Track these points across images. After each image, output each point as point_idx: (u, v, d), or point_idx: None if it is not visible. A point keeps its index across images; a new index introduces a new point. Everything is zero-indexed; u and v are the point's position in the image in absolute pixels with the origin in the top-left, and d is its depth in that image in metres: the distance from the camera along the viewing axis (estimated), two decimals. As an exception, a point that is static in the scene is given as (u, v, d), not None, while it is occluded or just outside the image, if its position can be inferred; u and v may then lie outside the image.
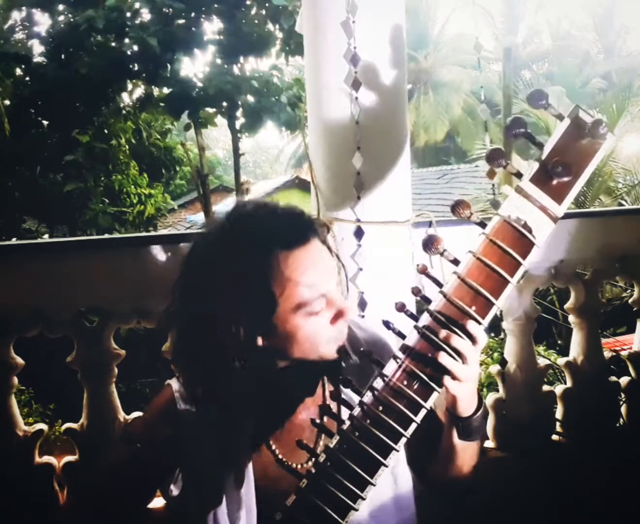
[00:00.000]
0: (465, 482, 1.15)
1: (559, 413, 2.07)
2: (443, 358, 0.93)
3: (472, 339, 0.94)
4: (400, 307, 0.95)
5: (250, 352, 1.02)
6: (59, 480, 1.77)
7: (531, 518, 1.81)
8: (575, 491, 1.83)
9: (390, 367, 0.95)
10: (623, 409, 2.12)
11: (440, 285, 0.95)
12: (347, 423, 0.94)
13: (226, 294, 0.99)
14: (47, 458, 1.78)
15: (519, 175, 0.96)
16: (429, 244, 0.95)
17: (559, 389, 2.09)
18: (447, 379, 0.94)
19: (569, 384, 2.10)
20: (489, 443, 2.01)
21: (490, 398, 2.03)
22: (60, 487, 1.78)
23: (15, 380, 1.76)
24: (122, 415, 1.78)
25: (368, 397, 0.94)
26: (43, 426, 1.79)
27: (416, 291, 0.95)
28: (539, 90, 0.95)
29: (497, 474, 1.88)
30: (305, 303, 1.00)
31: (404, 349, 0.95)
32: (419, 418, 0.93)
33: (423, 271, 0.95)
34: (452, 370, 0.93)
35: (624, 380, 2.14)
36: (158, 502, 1.54)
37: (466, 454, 1.10)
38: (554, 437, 2.02)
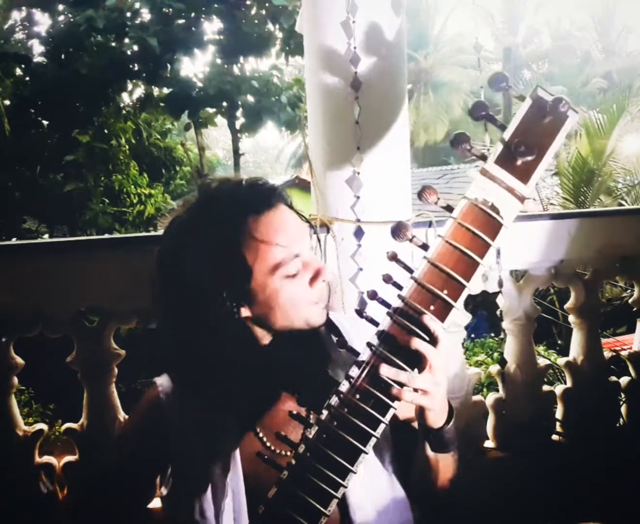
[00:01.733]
0: (442, 494, 1.14)
1: (559, 413, 2.07)
2: (401, 376, 0.92)
3: (433, 338, 0.93)
4: (372, 295, 0.95)
5: (235, 324, 1.03)
6: (59, 480, 1.77)
7: (531, 518, 1.81)
8: (575, 491, 1.82)
9: (365, 355, 0.95)
10: (623, 409, 2.12)
11: (411, 271, 0.96)
12: (325, 412, 0.94)
13: (204, 270, 1.02)
14: (47, 458, 1.78)
15: (483, 158, 0.97)
16: (397, 231, 0.96)
17: (559, 389, 2.09)
18: (410, 393, 0.94)
19: (569, 384, 2.10)
20: (489, 443, 2.01)
21: (490, 398, 2.03)
22: (60, 487, 1.78)
23: (15, 380, 1.76)
24: (122, 415, 1.78)
25: (345, 385, 0.94)
26: (43, 426, 1.80)
27: (387, 278, 0.95)
28: (498, 73, 0.96)
29: (497, 474, 1.88)
30: (280, 264, 1.02)
31: (378, 336, 0.95)
32: (396, 404, 0.94)
33: (393, 257, 0.96)
34: (415, 385, 0.93)
35: (624, 380, 2.14)
36: (158, 502, 1.54)
37: (440, 466, 1.09)
38: (554, 437, 2.02)
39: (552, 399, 2.07)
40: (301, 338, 1.08)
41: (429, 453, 1.06)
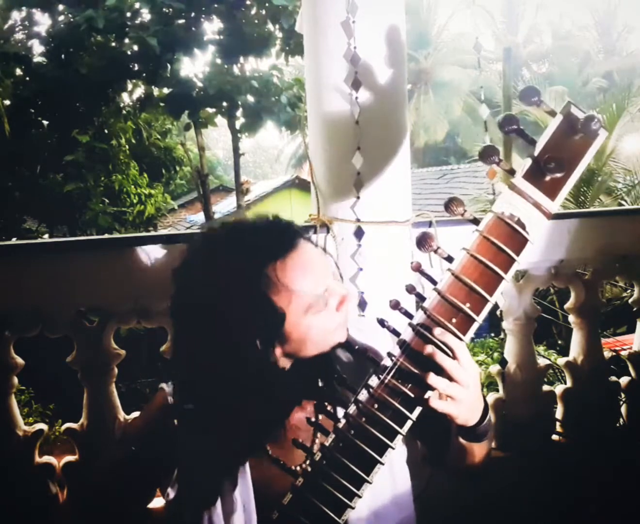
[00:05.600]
0: (479, 470, 1.15)
1: (559, 413, 2.07)
2: (432, 379, 0.93)
3: (453, 352, 0.93)
4: (395, 305, 0.95)
5: (269, 365, 1.02)
6: (59, 480, 1.77)
7: (531, 518, 1.81)
8: (575, 491, 1.82)
9: (384, 365, 0.95)
10: (623, 409, 2.12)
11: (434, 282, 0.95)
12: (343, 421, 0.94)
13: (233, 322, 0.99)
14: (47, 458, 1.78)
15: (512, 172, 0.96)
16: (423, 241, 0.95)
17: (559, 389, 2.09)
18: (436, 401, 0.94)
19: (569, 384, 2.10)
20: (489, 443, 2.01)
21: (490, 398, 2.03)
22: (60, 487, 1.78)
23: (15, 380, 1.76)
24: (122, 415, 1.78)
25: (363, 395, 0.94)
26: (43, 426, 1.80)
27: (410, 289, 0.95)
28: (531, 87, 0.95)
29: (497, 474, 1.88)
30: (313, 303, 1.01)
31: (399, 346, 0.95)
32: (414, 415, 0.93)
33: (417, 268, 0.95)
34: (440, 388, 0.93)
35: (624, 380, 2.14)
36: (158, 502, 1.54)
37: (475, 451, 1.10)
38: (554, 437, 2.02)
39: (552, 399, 2.07)
40: None
41: (464, 442, 1.06)
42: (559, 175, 0.93)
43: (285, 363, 1.08)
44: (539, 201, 0.94)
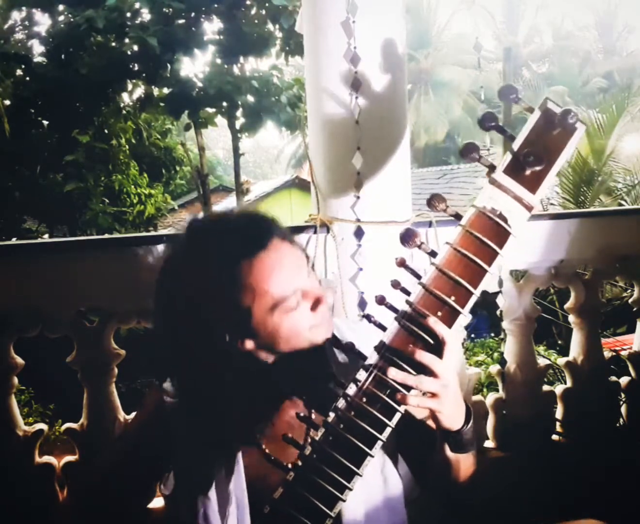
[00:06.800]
0: (463, 489, 1.15)
1: (559, 413, 2.07)
2: (409, 379, 0.93)
3: (440, 341, 0.94)
4: (380, 300, 0.96)
5: (239, 356, 1.05)
6: (59, 480, 1.77)
7: (531, 518, 1.81)
8: (575, 491, 1.82)
9: (372, 359, 0.96)
10: (623, 409, 2.12)
11: (419, 277, 0.97)
12: (332, 415, 0.95)
13: (203, 312, 1.02)
14: (47, 458, 1.78)
15: (492, 167, 0.98)
16: (407, 237, 0.97)
17: (559, 389, 2.09)
18: (416, 397, 0.94)
19: (569, 384, 2.10)
20: (489, 443, 2.01)
21: (490, 398, 2.03)
22: (60, 487, 1.78)
23: (15, 380, 1.76)
24: (122, 415, 1.78)
25: (351, 389, 0.95)
26: (43, 426, 1.80)
27: (395, 284, 0.96)
28: (509, 85, 0.98)
29: (497, 474, 1.88)
30: (279, 303, 1.02)
31: (385, 340, 0.96)
32: (402, 408, 0.94)
33: (402, 264, 0.96)
34: (422, 387, 0.94)
35: (624, 380, 2.14)
36: (158, 502, 1.54)
37: (460, 465, 1.10)
38: (554, 437, 2.02)
39: (552, 399, 2.07)
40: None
41: (449, 453, 1.06)
42: (538, 168, 0.95)
43: (266, 357, 1.08)
44: (519, 195, 0.96)
